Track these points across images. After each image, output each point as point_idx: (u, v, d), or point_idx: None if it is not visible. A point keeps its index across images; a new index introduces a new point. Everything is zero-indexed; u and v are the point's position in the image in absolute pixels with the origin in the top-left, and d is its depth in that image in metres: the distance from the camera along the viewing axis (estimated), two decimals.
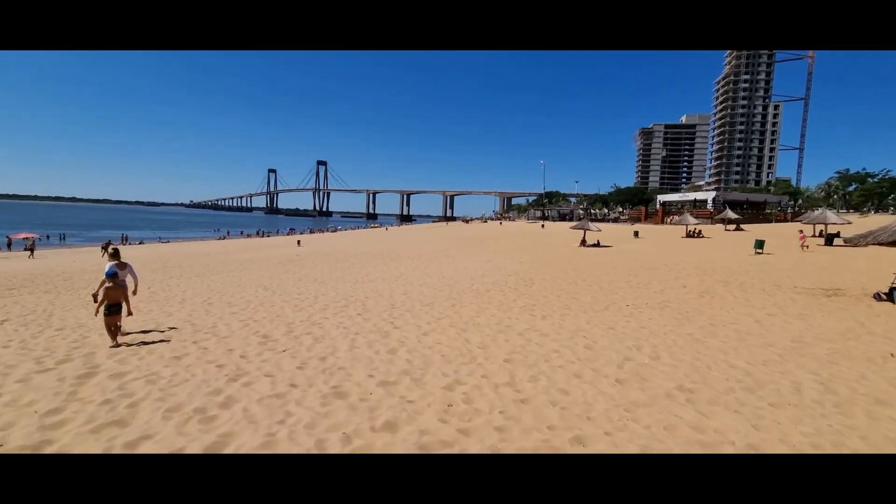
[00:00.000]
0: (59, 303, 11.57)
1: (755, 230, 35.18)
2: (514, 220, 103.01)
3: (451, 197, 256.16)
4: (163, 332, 7.71)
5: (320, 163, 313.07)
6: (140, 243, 46.75)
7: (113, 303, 6.60)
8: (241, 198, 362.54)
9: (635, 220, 59.60)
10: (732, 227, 38.61)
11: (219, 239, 57.45)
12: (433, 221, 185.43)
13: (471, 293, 11.71)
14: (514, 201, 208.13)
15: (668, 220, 54.11)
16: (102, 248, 27.74)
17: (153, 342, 6.86)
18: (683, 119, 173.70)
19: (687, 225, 34.13)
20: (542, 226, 58.56)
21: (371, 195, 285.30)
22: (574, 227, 30.75)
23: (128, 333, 7.57)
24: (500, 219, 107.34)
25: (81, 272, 18.69)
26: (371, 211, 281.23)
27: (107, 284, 6.67)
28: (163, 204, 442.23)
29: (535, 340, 6.75)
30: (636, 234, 35.43)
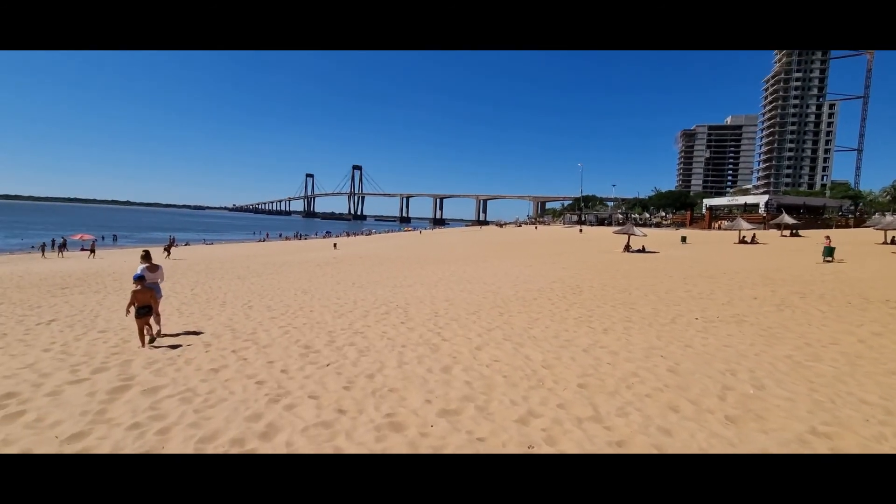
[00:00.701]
0: (106, 303, 11.69)
1: (814, 236, 32.59)
2: (548, 224, 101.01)
3: (485, 201, 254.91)
4: (202, 335, 7.44)
5: (355, 167, 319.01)
6: (186, 245, 48.48)
7: (142, 305, 6.61)
8: (280, 202, 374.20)
9: (679, 224, 56.89)
10: (788, 232, 35.97)
11: (259, 241, 58.98)
12: (466, 225, 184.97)
13: (517, 301, 10.99)
14: (549, 206, 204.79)
15: (717, 224, 51.29)
16: (165, 248, 28.31)
17: (192, 349, 6.55)
18: (728, 120, 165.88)
19: (740, 230, 31.97)
20: (580, 230, 56.83)
21: (405, 199, 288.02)
22: (617, 232, 29.37)
23: (164, 335, 7.37)
24: (534, 223, 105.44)
25: (131, 272, 19.19)
26: (404, 214, 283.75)
27: (135, 287, 6.71)
28: (208, 207, 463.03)
29: (605, 359, 5.95)
30: (684, 239, 33.52)
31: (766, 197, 56.94)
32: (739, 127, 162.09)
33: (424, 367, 5.58)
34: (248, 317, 9.20)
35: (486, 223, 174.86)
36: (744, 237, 31.76)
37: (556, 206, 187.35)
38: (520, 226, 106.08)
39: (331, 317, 9.02)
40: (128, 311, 6.76)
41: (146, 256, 7.98)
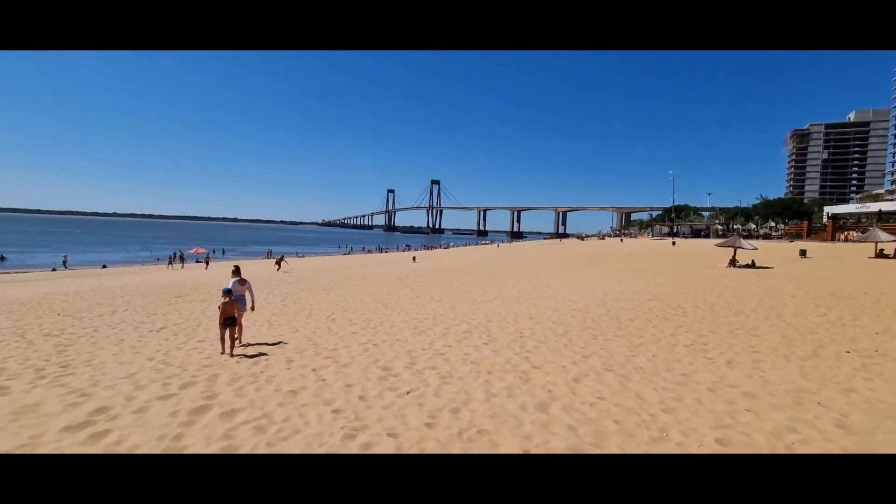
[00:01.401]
0: (209, 312, 12.54)
1: None
2: (635, 236, 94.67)
3: (564, 213, 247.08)
4: (286, 349, 7.49)
5: (434, 182, 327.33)
6: (281, 257, 52.53)
7: (227, 316, 7.07)
8: (363, 216, 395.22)
9: (793, 236, 49.92)
10: None
11: (344, 254, 62.23)
12: (544, 238, 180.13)
13: (611, 321, 9.87)
14: (634, 216, 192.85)
15: (842, 236, 44.21)
16: (276, 262, 29.80)
17: (275, 364, 6.54)
18: (851, 116, 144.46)
19: (877, 242, 27.00)
20: (673, 243, 52.21)
21: (482, 212, 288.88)
22: (721, 245, 26.23)
23: (247, 345, 7.63)
24: (619, 235, 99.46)
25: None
26: (481, 228, 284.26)
27: (224, 299, 7.21)
28: (301, 223, 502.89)
29: (741, 404, 4.82)
30: (803, 252, 29.13)
31: None
32: (866, 124, 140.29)
33: (516, 402, 4.89)
34: (330, 330, 9.20)
35: (565, 236, 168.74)
36: (881, 250, 26.79)
37: (643, 216, 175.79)
38: (603, 238, 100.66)
39: (410, 333, 8.70)
40: (219, 323, 7.24)
41: (236, 271, 8.45)
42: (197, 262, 41.44)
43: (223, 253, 62.43)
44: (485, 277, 22.07)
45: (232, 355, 7.01)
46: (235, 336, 7.35)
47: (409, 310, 12.20)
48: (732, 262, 24.29)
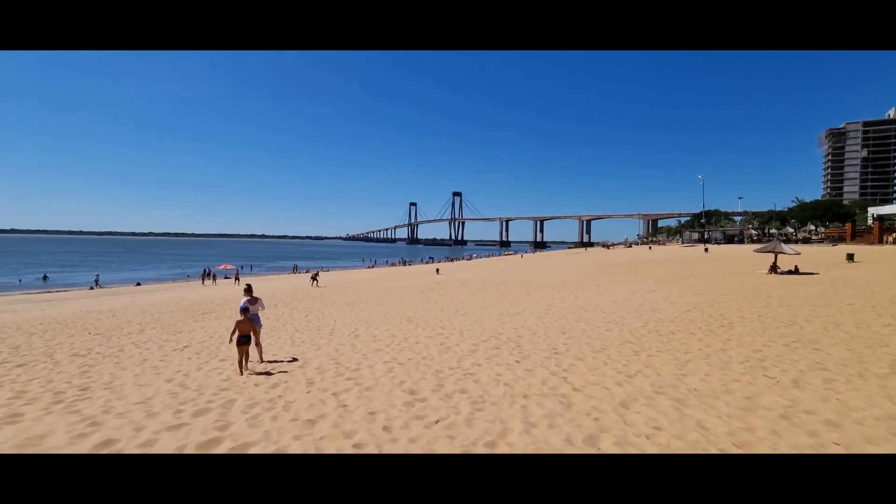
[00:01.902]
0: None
1: None
2: (663, 243, 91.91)
3: (588, 221, 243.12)
4: (307, 369, 7.15)
5: (455, 194, 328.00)
6: (307, 272, 53.09)
7: (243, 334, 7.06)
8: (386, 230, 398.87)
9: (836, 239, 47.25)
10: None
11: (368, 268, 62.44)
12: (569, 248, 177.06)
13: (651, 335, 9.18)
14: (661, 223, 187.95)
15: (891, 238, 41.54)
16: (312, 277, 29.22)
17: (294, 387, 6.18)
18: (891, 113, 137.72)
19: None
20: (706, 249, 50.19)
21: (504, 223, 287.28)
22: (760, 251, 24.86)
23: (271, 362, 7.53)
24: (648, 243, 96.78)
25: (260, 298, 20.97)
26: (504, 238, 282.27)
27: (239, 318, 7.19)
28: (326, 238, 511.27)
29: (825, 435, 4.10)
30: (850, 256, 27.35)
31: None
32: None
33: (560, 434, 4.31)
34: (353, 348, 8.85)
35: (590, 245, 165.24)
36: None
37: (670, 223, 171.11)
38: (629, 246, 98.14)
39: (437, 351, 8.24)
40: (231, 339, 7.19)
41: (248, 290, 8.40)
42: (226, 277, 42.23)
43: (251, 269, 63.59)
44: (510, 289, 21.46)
45: (247, 372, 7.00)
46: (250, 357, 7.34)
47: (435, 325, 11.77)
48: (773, 269, 22.94)
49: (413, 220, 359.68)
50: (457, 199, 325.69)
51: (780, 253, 23.10)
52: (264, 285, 30.78)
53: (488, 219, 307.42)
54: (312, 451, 4.02)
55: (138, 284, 39.52)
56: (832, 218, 68.13)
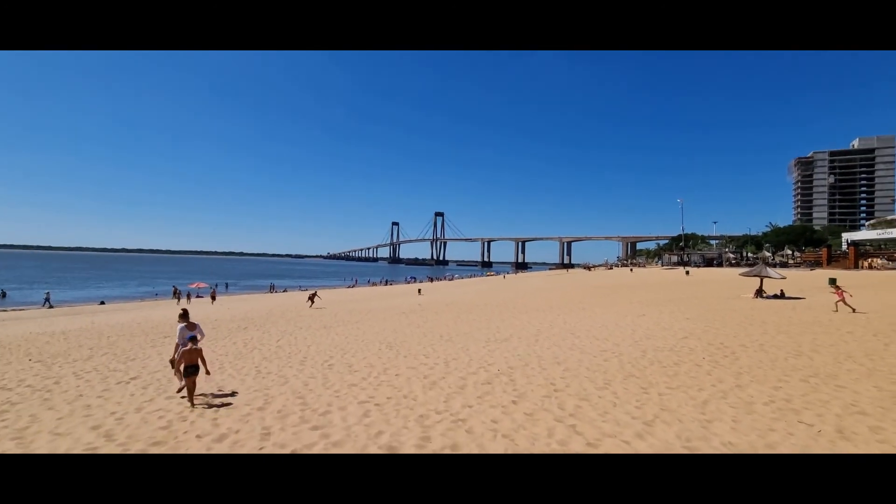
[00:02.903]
0: None
1: None
2: (643, 265, 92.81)
3: (569, 243, 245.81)
4: (268, 412, 6.07)
5: (437, 214, 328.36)
6: (284, 291, 51.20)
7: (190, 364, 6.54)
8: (368, 249, 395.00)
9: (813, 264, 48.15)
10: None
11: (348, 287, 60.78)
12: (549, 269, 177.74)
13: (653, 367, 8.44)
14: (640, 246, 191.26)
15: (865, 263, 42.47)
16: (309, 298, 25.99)
17: (246, 440, 5.14)
18: (855, 143, 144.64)
19: None
20: (687, 272, 50.52)
21: (486, 243, 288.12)
22: (746, 274, 24.73)
23: (224, 395, 6.29)
24: (629, 265, 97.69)
25: (232, 319, 19.58)
26: (486, 259, 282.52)
27: (186, 347, 6.65)
28: (306, 256, 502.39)
29: None
30: (833, 281, 27.50)
31: None
32: (871, 150, 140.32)
33: None
34: (325, 381, 7.82)
35: (571, 266, 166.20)
36: None
37: (649, 245, 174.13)
38: (610, 268, 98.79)
39: (420, 387, 7.28)
40: (175, 369, 6.79)
41: (184, 315, 7.65)
42: (198, 296, 40.19)
43: (226, 287, 61.29)
44: (495, 311, 20.64)
45: (198, 407, 6.37)
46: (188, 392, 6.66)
47: (417, 352, 10.81)
48: (759, 293, 22.75)
49: (395, 240, 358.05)
50: (439, 219, 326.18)
51: (766, 277, 22.97)
52: (239, 305, 29.20)
53: (470, 239, 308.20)
54: None
55: (102, 303, 37.24)
56: (805, 243, 69.91)
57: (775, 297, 22.23)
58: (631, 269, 76.50)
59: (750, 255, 73.76)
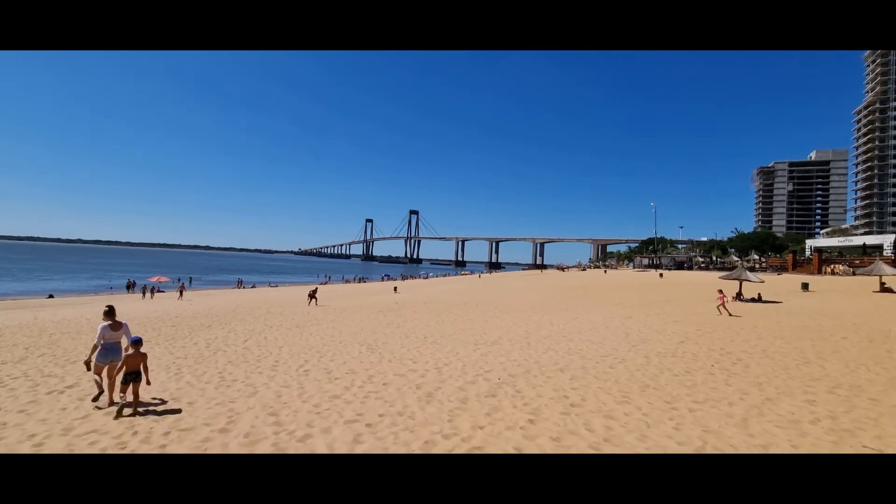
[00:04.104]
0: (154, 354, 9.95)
1: None
2: (615, 268, 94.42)
3: (542, 244, 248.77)
4: (229, 434, 4.96)
5: (412, 212, 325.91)
6: (252, 287, 48.95)
7: (131, 371, 5.75)
8: (341, 245, 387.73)
9: (779, 269, 49.70)
10: None
11: (321, 284, 58.75)
12: (523, 269, 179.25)
13: (663, 375, 7.78)
14: (610, 248, 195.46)
15: (828, 269, 44.07)
16: (310, 294, 24.62)
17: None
18: (812, 156, 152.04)
19: (881, 276, 26.16)
20: (661, 275, 51.28)
21: (460, 242, 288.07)
22: (727, 278, 24.83)
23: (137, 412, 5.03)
24: (603, 267, 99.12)
25: (192, 316, 17.96)
26: (460, 258, 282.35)
27: (129, 351, 5.91)
28: (276, 251, 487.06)
29: None
30: (805, 286, 28.10)
31: (892, 237, 48.51)
32: (826, 163, 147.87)
33: None
34: (302, 392, 6.73)
35: (543, 267, 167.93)
36: (884, 283, 25.94)
37: (617, 248, 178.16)
38: (584, 269, 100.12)
39: (415, 399, 6.29)
40: (93, 370, 6.11)
41: (109, 312, 6.53)
42: (159, 290, 37.61)
43: (190, 282, 58.24)
44: (476, 311, 19.83)
45: (136, 412, 5.66)
46: (119, 398, 5.93)
47: (403, 356, 9.82)
48: (739, 297, 22.81)
49: (369, 237, 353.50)
50: (413, 217, 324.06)
51: (746, 280, 23.07)
52: (203, 301, 27.31)
53: (444, 238, 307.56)
54: None
55: (50, 297, 34.31)
56: (768, 248, 72.55)
57: (752, 300, 22.32)
58: (605, 271, 77.53)
59: (717, 258, 75.92)
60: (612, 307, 20.68)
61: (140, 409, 5.82)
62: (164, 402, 6.30)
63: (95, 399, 6.26)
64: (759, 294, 23.13)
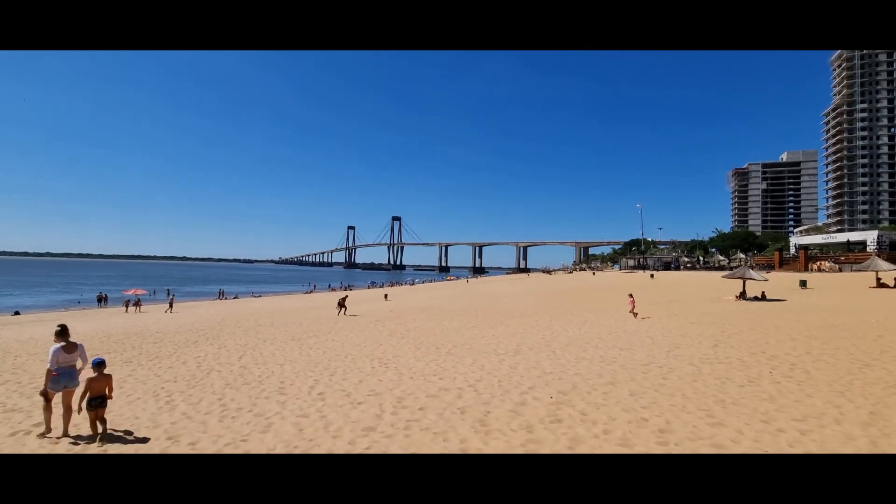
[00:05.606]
0: (133, 378, 8.77)
1: None
2: (601, 270, 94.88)
3: (525, 248, 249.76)
4: None
5: (395, 218, 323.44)
6: (235, 298, 46.94)
7: (96, 395, 5.29)
8: (322, 253, 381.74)
9: (765, 267, 50.29)
10: None
11: (306, 293, 56.90)
12: (507, 273, 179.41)
13: (729, 386, 6.98)
14: (592, 251, 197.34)
15: (815, 266, 44.69)
16: (340, 303, 22.59)
17: None
18: (784, 157, 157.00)
19: (877, 271, 26.27)
20: (652, 276, 51.30)
21: (444, 248, 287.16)
22: (730, 276, 24.52)
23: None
24: (591, 269, 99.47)
25: (175, 332, 16.50)
26: (443, 264, 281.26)
27: (92, 375, 5.43)
28: (255, 261, 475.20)
29: None
30: (803, 283, 28.09)
31: (874, 233, 49.58)
32: (797, 164, 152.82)
33: None
34: (326, 424, 5.65)
35: (527, 271, 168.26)
36: (880, 279, 26.07)
37: (599, 251, 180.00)
38: (570, 272, 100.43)
39: (468, 430, 5.26)
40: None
41: (62, 332, 5.70)
42: (136, 304, 35.43)
43: (167, 294, 55.74)
44: (476, 317, 18.90)
45: (100, 435, 5.23)
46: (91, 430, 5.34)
47: (424, 371, 8.80)
48: (742, 295, 22.46)
49: (351, 244, 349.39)
50: (396, 223, 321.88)
51: (750, 279, 22.75)
52: (185, 314, 25.62)
53: (428, 244, 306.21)
54: None
55: (17, 313, 31.85)
56: (749, 247, 73.86)
57: (756, 299, 21.99)
58: (593, 273, 77.61)
59: (702, 258, 76.92)
60: (617, 309, 19.96)
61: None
62: (157, 445, 5.14)
63: (42, 436, 5.45)
64: (762, 292, 22.84)
